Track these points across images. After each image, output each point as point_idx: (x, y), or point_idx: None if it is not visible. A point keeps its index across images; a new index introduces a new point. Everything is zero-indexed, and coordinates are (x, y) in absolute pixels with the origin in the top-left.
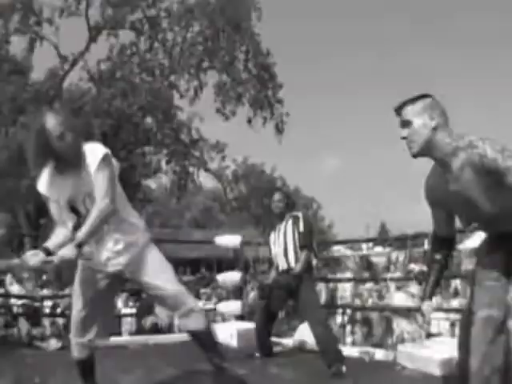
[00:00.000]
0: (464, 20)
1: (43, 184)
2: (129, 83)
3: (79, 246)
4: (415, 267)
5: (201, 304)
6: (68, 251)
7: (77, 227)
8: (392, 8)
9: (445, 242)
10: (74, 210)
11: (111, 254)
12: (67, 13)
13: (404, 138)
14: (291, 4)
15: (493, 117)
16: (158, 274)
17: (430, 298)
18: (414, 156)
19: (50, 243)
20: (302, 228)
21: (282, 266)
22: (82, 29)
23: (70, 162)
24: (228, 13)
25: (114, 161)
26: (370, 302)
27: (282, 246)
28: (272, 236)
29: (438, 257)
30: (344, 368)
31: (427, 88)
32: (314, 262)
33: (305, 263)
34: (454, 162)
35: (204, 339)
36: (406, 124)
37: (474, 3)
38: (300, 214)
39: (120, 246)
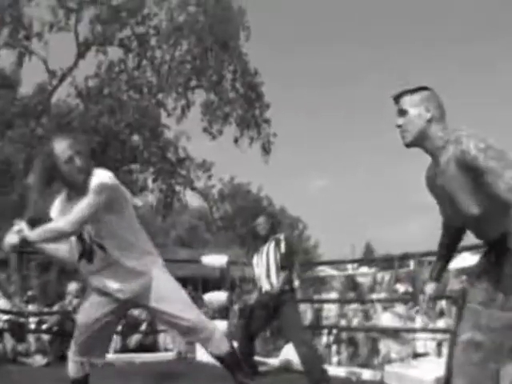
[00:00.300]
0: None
1: (55, 210)
2: (116, 100)
3: (23, 240)
4: (401, 287)
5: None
6: (14, 237)
7: (82, 255)
8: (387, 35)
9: (451, 229)
10: (80, 236)
11: (124, 280)
12: (57, 28)
13: (399, 126)
14: (282, 24)
15: None
16: (173, 301)
17: (435, 280)
18: (407, 145)
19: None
20: (283, 249)
21: (265, 287)
22: (71, 44)
23: (79, 188)
24: (216, 31)
25: (122, 190)
26: (355, 321)
27: (265, 267)
28: (255, 258)
29: (446, 241)
30: None
31: None
32: (297, 282)
33: (283, 284)
34: (442, 155)
35: (229, 361)
36: (402, 113)
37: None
38: (282, 236)
39: (133, 274)
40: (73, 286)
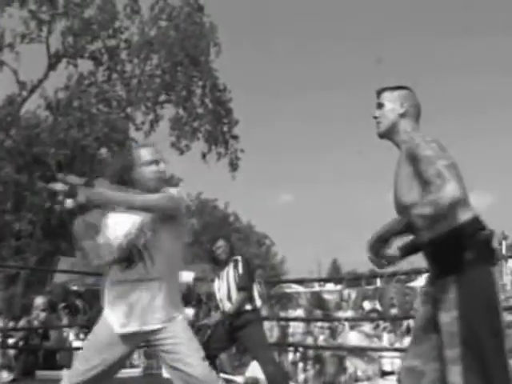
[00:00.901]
0: None
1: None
2: (86, 113)
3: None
4: (367, 305)
5: None
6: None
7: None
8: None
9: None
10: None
11: (153, 305)
12: (28, 39)
13: (375, 117)
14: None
15: None
16: (192, 349)
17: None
18: (380, 135)
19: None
20: (240, 270)
21: (227, 308)
22: (43, 56)
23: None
24: (187, 47)
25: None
26: (321, 339)
27: (226, 290)
28: (216, 282)
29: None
30: None
31: None
32: (258, 302)
33: (242, 304)
34: (402, 149)
35: None
36: (379, 106)
37: None
38: (239, 258)
39: (166, 303)
40: (39, 300)
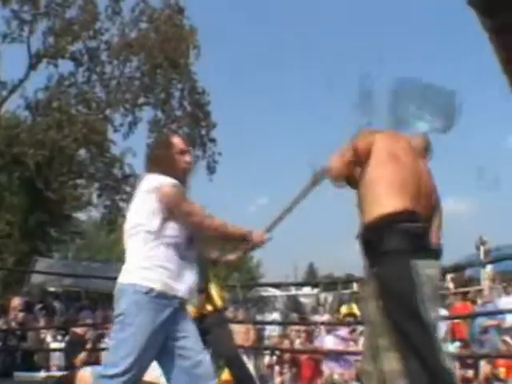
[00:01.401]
0: None
1: None
2: (65, 114)
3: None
4: (343, 308)
5: None
6: None
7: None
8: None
9: None
10: None
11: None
12: (10, 38)
13: None
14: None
15: None
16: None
17: None
18: None
19: None
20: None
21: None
22: (23, 56)
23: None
24: (167, 49)
25: None
26: (297, 342)
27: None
28: None
29: None
30: None
31: None
32: (219, 303)
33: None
34: None
35: None
36: None
37: None
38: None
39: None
40: (17, 301)
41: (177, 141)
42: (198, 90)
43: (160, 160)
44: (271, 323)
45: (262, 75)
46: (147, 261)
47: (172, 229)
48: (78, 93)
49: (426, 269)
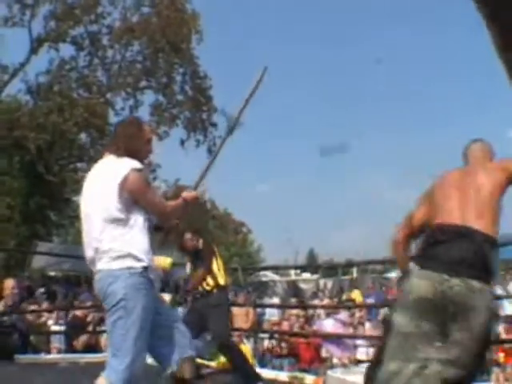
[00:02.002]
0: None
1: None
2: (66, 98)
3: None
4: (343, 295)
5: None
6: None
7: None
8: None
9: None
10: None
11: None
12: (12, 22)
13: None
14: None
15: None
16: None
17: None
18: None
19: None
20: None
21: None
22: (25, 40)
23: None
24: (169, 33)
25: None
26: (297, 326)
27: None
28: (189, 270)
29: None
30: None
31: None
32: (222, 281)
33: (198, 281)
34: None
35: None
36: None
37: None
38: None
39: None
40: (10, 283)
41: (147, 128)
42: (199, 74)
43: (129, 141)
44: (271, 306)
45: (264, 58)
46: (129, 244)
47: (143, 212)
48: (79, 77)
49: (415, 278)
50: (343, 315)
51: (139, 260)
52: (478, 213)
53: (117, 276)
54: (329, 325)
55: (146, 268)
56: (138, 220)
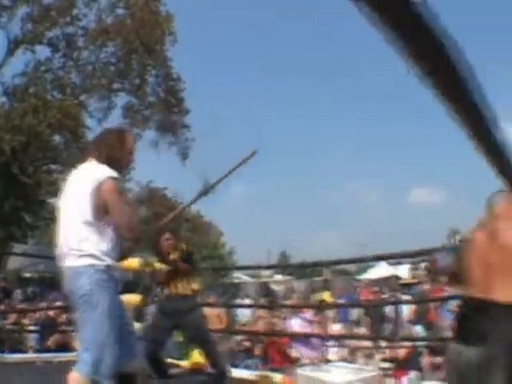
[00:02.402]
0: None
1: None
2: (41, 100)
3: None
4: (316, 296)
5: None
6: None
7: None
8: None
9: None
10: None
11: None
12: None
13: None
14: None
15: None
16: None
17: None
18: None
19: None
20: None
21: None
22: (1, 41)
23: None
24: (143, 35)
25: None
26: (267, 327)
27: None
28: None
29: None
30: None
31: None
32: (195, 286)
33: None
34: None
35: None
36: None
37: None
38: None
39: None
40: None
41: (131, 138)
42: (172, 76)
43: (112, 149)
44: (241, 306)
45: (238, 62)
46: (96, 245)
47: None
48: (53, 78)
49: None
50: (309, 313)
51: (103, 260)
52: None
53: (81, 272)
54: (296, 324)
55: (109, 266)
56: (107, 224)
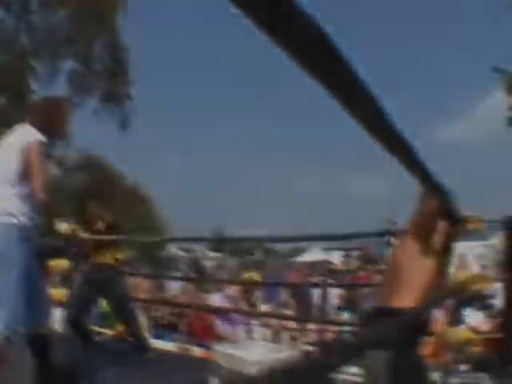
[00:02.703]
0: None
1: None
2: None
3: None
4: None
5: None
6: None
7: None
8: None
9: None
10: None
11: None
12: None
13: None
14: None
15: None
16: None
17: None
18: None
19: None
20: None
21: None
22: None
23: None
24: (94, 2)
25: None
26: (191, 299)
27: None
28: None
29: None
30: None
31: None
32: (119, 256)
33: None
34: None
35: None
36: None
37: None
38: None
39: None
40: None
41: (67, 107)
42: (119, 45)
43: (46, 117)
44: (166, 278)
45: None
46: (14, 205)
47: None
48: (3, 39)
49: None
50: (232, 290)
51: (22, 220)
52: None
53: None
54: (217, 299)
55: (28, 227)
56: (29, 185)
